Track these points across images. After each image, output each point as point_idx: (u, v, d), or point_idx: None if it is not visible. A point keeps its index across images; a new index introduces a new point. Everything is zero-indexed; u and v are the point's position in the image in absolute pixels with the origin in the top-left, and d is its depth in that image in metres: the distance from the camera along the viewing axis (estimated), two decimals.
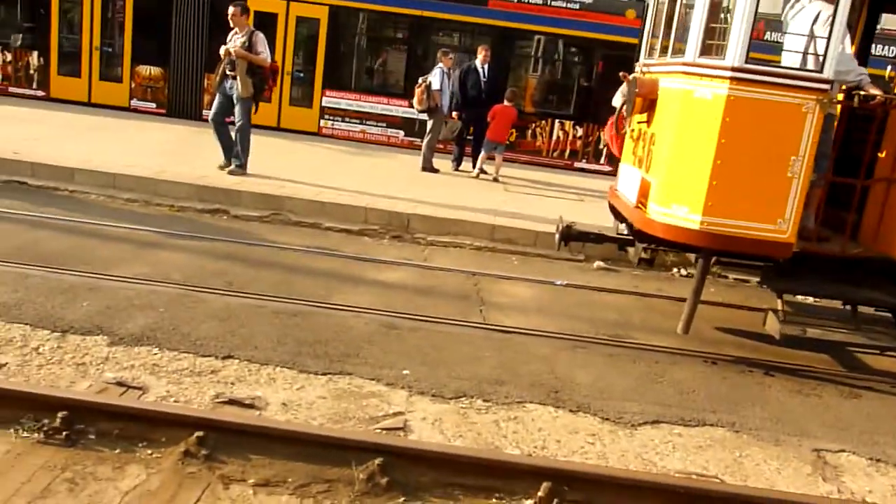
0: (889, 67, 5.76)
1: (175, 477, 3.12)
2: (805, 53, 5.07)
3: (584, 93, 14.39)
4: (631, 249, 6.18)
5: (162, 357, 4.25)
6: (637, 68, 6.27)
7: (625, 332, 5.64)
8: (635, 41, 13.47)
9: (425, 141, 11.35)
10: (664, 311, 6.27)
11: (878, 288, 5.26)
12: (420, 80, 11.11)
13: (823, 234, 5.34)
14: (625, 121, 6.02)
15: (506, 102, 11.18)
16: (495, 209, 8.74)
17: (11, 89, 14.37)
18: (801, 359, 5.47)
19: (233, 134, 9.00)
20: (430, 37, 14.26)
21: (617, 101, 7.79)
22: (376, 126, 14.22)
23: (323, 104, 14.19)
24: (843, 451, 4.21)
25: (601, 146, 14.10)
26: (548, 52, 14.74)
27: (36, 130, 10.46)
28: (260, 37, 8.92)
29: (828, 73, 4.67)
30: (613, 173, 12.97)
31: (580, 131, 14.18)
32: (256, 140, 9.18)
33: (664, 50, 5.70)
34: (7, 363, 3.95)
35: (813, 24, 5.07)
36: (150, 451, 3.28)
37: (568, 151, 14.25)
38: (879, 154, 5.32)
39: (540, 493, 3.20)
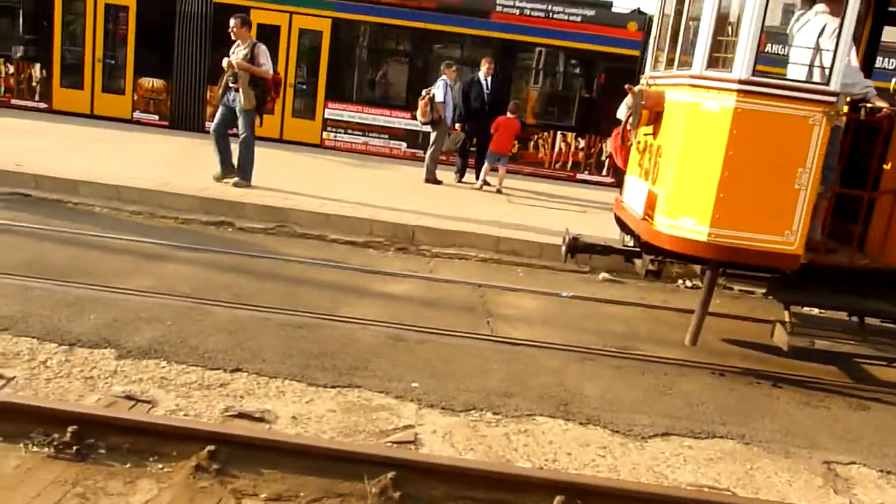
0: (893, 80, 5.76)
1: (187, 492, 3.11)
2: (811, 66, 5.09)
3: (586, 104, 14.45)
4: (638, 261, 6.17)
5: (170, 370, 4.24)
6: (642, 80, 6.28)
7: (632, 344, 5.64)
8: (637, 53, 13.58)
9: (429, 153, 11.37)
10: (670, 322, 6.26)
11: (885, 299, 5.25)
12: (424, 93, 11.15)
13: (830, 245, 5.34)
14: (630, 133, 6.02)
15: (509, 114, 11.20)
16: (499, 221, 8.75)
17: (14, 101, 14.43)
18: (809, 370, 5.46)
19: (235, 146, 9.00)
20: (432, 49, 14.31)
21: (622, 113, 7.82)
22: (379, 138, 14.26)
23: (326, 116, 14.24)
24: (854, 462, 4.20)
25: (603, 158, 14.14)
26: (550, 64, 14.80)
27: (38, 142, 10.48)
28: (262, 48, 8.95)
29: (834, 85, 4.68)
30: (616, 185, 13.02)
31: (582, 143, 14.22)
32: (259, 152, 9.18)
33: (670, 62, 5.72)
34: (15, 377, 3.93)
35: (819, 36, 5.08)
36: (161, 466, 3.27)
37: (570, 163, 14.29)
38: (885, 166, 5.33)
39: None
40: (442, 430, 3.95)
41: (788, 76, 5.25)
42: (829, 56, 4.79)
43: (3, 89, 14.49)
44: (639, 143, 6.05)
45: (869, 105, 4.92)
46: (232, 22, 9.00)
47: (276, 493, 3.17)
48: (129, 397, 3.84)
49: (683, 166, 5.08)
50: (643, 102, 5.59)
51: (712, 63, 4.90)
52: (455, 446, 3.81)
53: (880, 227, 5.30)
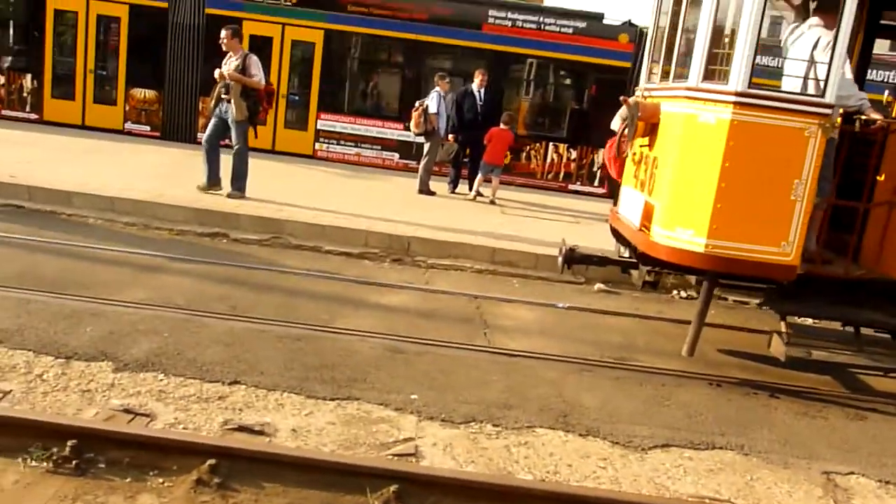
0: (886, 92, 5.83)
1: None
2: (805, 78, 5.13)
3: (577, 116, 14.53)
4: (635, 272, 6.20)
5: (168, 383, 4.21)
6: (637, 92, 6.32)
7: (629, 355, 5.64)
8: (628, 65, 13.69)
9: (422, 164, 11.39)
10: (667, 333, 6.28)
11: (880, 310, 5.29)
12: (417, 104, 11.19)
13: (826, 256, 5.37)
14: (626, 144, 6.05)
15: (502, 126, 11.25)
16: (493, 232, 8.76)
17: (4, 112, 14.35)
18: (805, 381, 5.48)
19: (227, 157, 8.97)
20: (424, 60, 14.36)
21: (616, 124, 7.87)
22: (371, 149, 14.28)
23: (318, 127, 14.25)
24: (853, 473, 4.21)
25: (595, 169, 14.21)
26: (541, 75, 14.88)
27: (30, 153, 10.43)
28: (254, 59, 8.95)
29: (829, 97, 4.72)
30: (607, 196, 13.10)
31: (574, 154, 14.28)
32: (252, 163, 9.17)
33: (665, 75, 5.76)
34: (11, 390, 3.90)
35: (813, 49, 5.13)
36: (161, 480, 3.24)
37: (562, 174, 14.34)
38: (878, 178, 5.37)
39: None
40: (442, 443, 3.93)
41: (783, 88, 5.30)
42: (823, 68, 4.83)
43: None
44: (634, 154, 6.08)
45: (864, 117, 4.96)
46: (223, 33, 9.00)
47: None
48: (127, 411, 3.81)
49: (680, 177, 5.10)
50: (639, 114, 5.62)
51: (708, 75, 4.94)
52: (456, 459, 3.79)
53: (875, 238, 5.34)
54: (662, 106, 5.51)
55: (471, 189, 11.46)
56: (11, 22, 14.81)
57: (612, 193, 10.04)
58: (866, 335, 5.63)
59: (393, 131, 14.15)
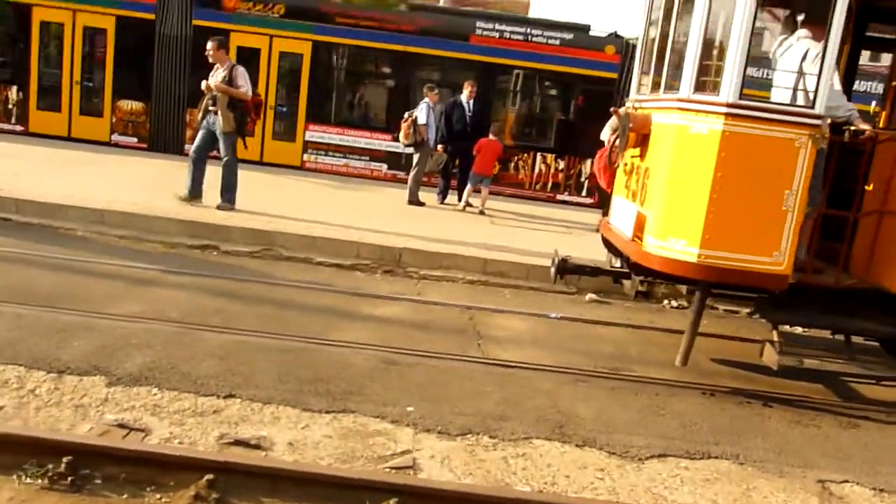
0: (874, 103, 5.90)
1: None
2: (795, 90, 5.19)
3: (564, 126, 14.60)
4: (627, 282, 6.22)
5: (162, 397, 4.17)
6: (628, 103, 6.36)
7: (623, 365, 5.66)
8: (615, 76, 13.79)
9: (412, 174, 11.40)
10: (659, 342, 6.30)
11: (871, 318, 5.33)
12: (406, 115, 11.21)
13: (817, 265, 5.42)
14: (617, 155, 6.08)
15: (491, 136, 11.29)
16: (484, 242, 8.77)
17: None
18: (797, 389, 5.51)
19: (216, 169, 8.94)
20: (412, 72, 14.40)
21: (605, 135, 7.94)
22: (360, 160, 14.28)
23: (306, 138, 14.24)
24: (847, 481, 4.23)
25: (582, 179, 14.28)
26: (529, 86, 14.96)
27: (16, 165, 10.35)
28: (240, 70, 8.93)
29: (819, 108, 4.78)
30: (595, 206, 13.17)
31: (562, 164, 14.34)
32: (240, 175, 9.12)
33: (656, 86, 5.80)
34: (4, 406, 3.86)
35: (802, 61, 5.19)
36: (158, 496, 3.21)
37: (550, 184, 14.40)
38: (867, 187, 5.43)
39: None
40: (440, 455, 3.92)
41: (773, 99, 5.36)
42: (812, 80, 4.89)
43: None
44: (625, 164, 6.12)
45: (853, 128, 5.02)
46: (209, 45, 8.98)
47: None
48: (122, 426, 3.78)
49: (672, 188, 5.14)
50: (630, 125, 5.65)
51: (700, 87, 4.98)
52: (454, 471, 3.78)
53: (864, 247, 5.39)
54: (654, 117, 5.55)
55: (460, 200, 11.49)
56: None
57: (602, 204, 10.11)
58: (857, 343, 5.68)
59: (381, 142, 14.16)
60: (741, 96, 4.78)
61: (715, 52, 5.04)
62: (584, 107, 14.09)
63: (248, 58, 12.86)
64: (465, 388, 4.83)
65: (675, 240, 5.05)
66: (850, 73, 6.40)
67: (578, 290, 7.65)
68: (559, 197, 14.34)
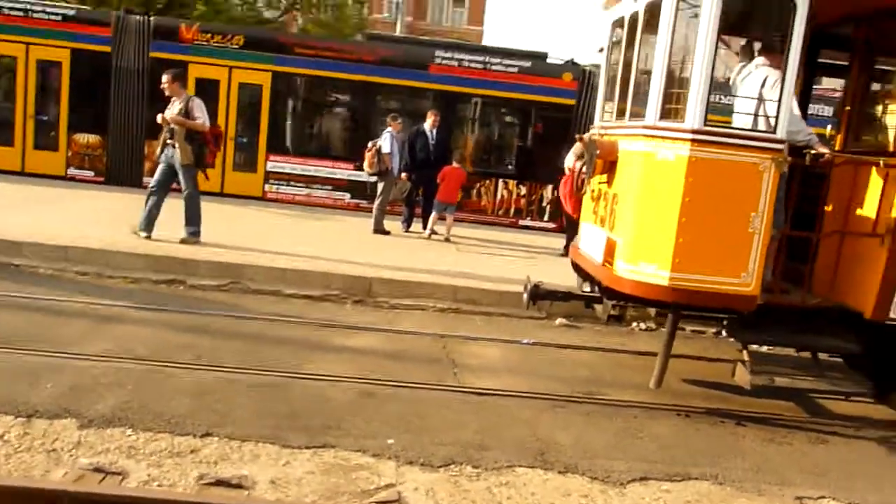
0: (829, 126, 6.10)
1: None
2: (756, 115, 5.34)
3: (525, 152, 14.78)
4: (598, 307, 6.28)
5: (137, 438, 4.07)
6: (593, 130, 6.47)
7: (598, 389, 5.69)
8: (573, 102, 14.03)
9: (376, 203, 11.40)
10: (631, 365, 6.37)
11: (837, 336, 5.45)
12: (370, 144, 11.22)
13: (783, 286, 5.54)
14: (584, 181, 6.16)
15: (454, 164, 11.37)
16: (451, 270, 8.78)
17: None
18: (769, 407, 5.61)
19: (178, 202, 8.81)
20: (372, 101, 14.47)
21: (569, 161, 8.05)
22: (322, 189, 14.24)
23: (268, 168, 14.16)
24: (824, 497, 4.32)
25: (544, 204, 14.44)
26: (488, 114, 15.16)
27: None
28: (196, 102, 8.85)
29: (781, 133, 4.92)
30: (557, 230, 13.32)
31: (523, 190, 14.49)
32: (203, 207, 9.01)
33: (621, 113, 5.92)
34: None
35: (761, 87, 5.35)
36: None
37: (512, 209, 14.52)
38: (827, 208, 5.60)
39: None
40: (424, 487, 3.89)
41: (734, 125, 5.50)
42: (772, 106, 5.04)
43: None
44: (593, 191, 6.20)
45: (813, 151, 5.17)
46: (164, 78, 8.89)
47: None
48: (98, 469, 3.67)
49: (641, 213, 5.22)
50: (597, 152, 5.74)
51: (665, 114, 5.09)
52: (439, 503, 3.76)
53: (827, 266, 5.53)
54: (620, 144, 5.65)
55: (425, 227, 11.51)
56: None
57: (567, 229, 10.23)
58: (823, 359, 5.82)
59: (343, 171, 14.15)
60: (706, 122, 4.90)
61: (678, 79, 5.16)
62: (543, 133, 14.30)
63: (208, 89, 12.82)
64: (445, 417, 4.82)
65: (646, 264, 5.12)
66: (804, 97, 6.60)
67: (548, 314, 7.69)
68: (521, 222, 14.48)
